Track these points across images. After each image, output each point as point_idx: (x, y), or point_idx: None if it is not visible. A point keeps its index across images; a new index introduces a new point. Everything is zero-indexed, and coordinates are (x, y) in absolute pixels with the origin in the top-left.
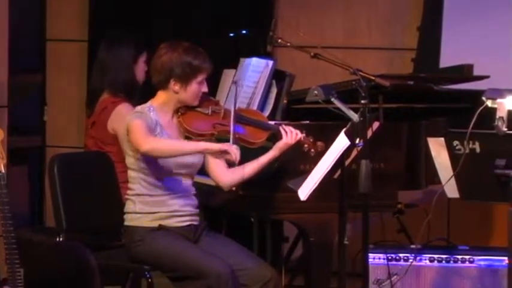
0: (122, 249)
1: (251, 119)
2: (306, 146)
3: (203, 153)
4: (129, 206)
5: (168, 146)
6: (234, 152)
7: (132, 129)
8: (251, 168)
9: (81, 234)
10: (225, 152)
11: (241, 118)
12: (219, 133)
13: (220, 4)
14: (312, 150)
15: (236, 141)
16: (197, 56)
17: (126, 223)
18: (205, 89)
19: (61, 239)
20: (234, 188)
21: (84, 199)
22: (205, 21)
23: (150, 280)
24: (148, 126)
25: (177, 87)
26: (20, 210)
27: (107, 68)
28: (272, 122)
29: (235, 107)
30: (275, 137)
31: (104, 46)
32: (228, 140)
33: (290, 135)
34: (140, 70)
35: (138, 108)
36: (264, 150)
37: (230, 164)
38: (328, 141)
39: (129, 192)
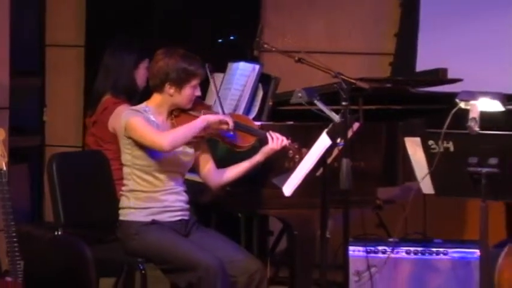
0: (116, 243)
1: (240, 124)
2: (291, 152)
3: (207, 126)
4: (123, 202)
5: (181, 133)
6: (228, 120)
7: (136, 127)
8: (237, 170)
9: (78, 229)
10: (223, 122)
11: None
12: (210, 135)
13: (210, 12)
14: (297, 156)
15: (224, 137)
16: (192, 62)
17: (120, 218)
18: (198, 93)
19: (59, 233)
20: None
21: (81, 195)
22: (197, 27)
23: (143, 272)
24: (148, 122)
25: (172, 91)
26: (21, 206)
27: (110, 72)
28: (258, 123)
29: (218, 96)
30: (262, 141)
31: (109, 51)
32: (217, 141)
33: (276, 141)
34: (141, 75)
35: (134, 108)
36: (251, 152)
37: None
38: (311, 141)
39: (123, 188)
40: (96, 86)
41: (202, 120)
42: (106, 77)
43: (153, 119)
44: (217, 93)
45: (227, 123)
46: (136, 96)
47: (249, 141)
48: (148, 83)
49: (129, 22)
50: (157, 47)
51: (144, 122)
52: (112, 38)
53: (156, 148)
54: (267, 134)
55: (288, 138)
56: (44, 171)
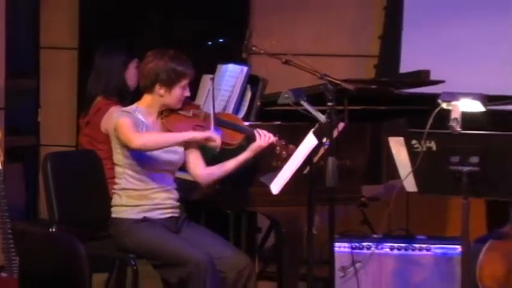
0: (109, 240)
1: (229, 122)
2: (278, 148)
3: (190, 141)
4: (115, 200)
5: (157, 139)
6: (217, 138)
7: (120, 127)
8: (227, 167)
9: (72, 226)
10: (209, 140)
11: (219, 121)
12: (191, 142)
13: (200, 15)
14: (284, 152)
15: (217, 128)
16: (181, 63)
17: (113, 215)
18: (187, 93)
19: (53, 230)
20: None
21: (75, 193)
22: (187, 31)
23: (135, 268)
24: (134, 123)
25: (162, 91)
26: (16, 204)
27: (101, 74)
28: (247, 123)
29: (213, 95)
30: (250, 138)
31: (99, 54)
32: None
33: (263, 138)
34: (131, 75)
35: (125, 109)
36: (239, 150)
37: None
38: (298, 141)
39: (115, 186)
40: (88, 87)
41: (185, 136)
42: (97, 79)
43: (143, 119)
44: (213, 103)
45: (214, 141)
46: (128, 96)
47: (237, 138)
48: (139, 83)
49: (121, 25)
50: (148, 49)
51: (130, 123)
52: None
53: (127, 144)
54: (255, 131)
55: (275, 135)
56: (38, 170)
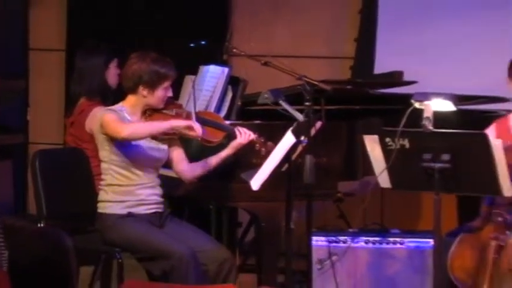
0: (95, 234)
1: (210, 121)
2: (257, 145)
3: (173, 129)
4: (101, 196)
5: (144, 128)
6: (197, 127)
7: (106, 121)
8: (208, 164)
9: (60, 221)
10: (190, 128)
11: (201, 120)
12: (173, 132)
13: (183, 18)
14: (263, 149)
15: (198, 120)
16: (164, 65)
17: (99, 210)
18: (170, 93)
19: (42, 224)
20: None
21: (63, 189)
22: (170, 32)
23: (120, 261)
24: (120, 118)
25: (145, 92)
26: (5, 199)
27: (83, 75)
28: (228, 122)
29: (194, 96)
30: (230, 136)
31: (79, 56)
32: (189, 138)
33: (244, 135)
34: (112, 75)
35: (110, 107)
36: (220, 147)
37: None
38: (277, 139)
39: (101, 183)
40: (72, 89)
41: (169, 123)
42: (79, 80)
43: (129, 118)
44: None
45: (193, 129)
46: (110, 96)
47: (218, 136)
48: (120, 82)
49: (106, 27)
50: (133, 51)
51: (115, 117)
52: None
53: (116, 135)
54: (235, 129)
55: (254, 133)
56: (27, 167)
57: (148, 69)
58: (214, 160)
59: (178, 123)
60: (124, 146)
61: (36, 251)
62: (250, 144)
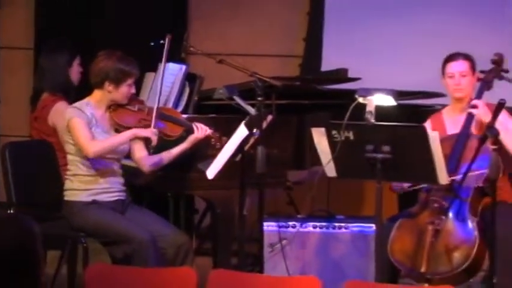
0: (61, 220)
1: (170, 116)
2: (213, 140)
3: (133, 138)
4: (67, 184)
5: (107, 145)
6: (154, 138)
7: (74, 130)
8: (167, 156)
9: (28, 208)
10: (148, 139)
11: (162, 115)
12: (143, 127)
13: (144, 18)
14: (218, 143)
15: (159, 122)
16: (128, 64)
17: (65, 198)
18: (133, 90)
19: (11, 211)
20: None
21: (31, 179)
22: (132, 32)
23: (85, 245)
24: (87, 124)
25: (110, 88)
26: None
27: (46, 72)
28: (185, 116)
29: (158, 105)
30: (189, 131)
31: (44, 53)
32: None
33: (200, 131)
34: (75, 72)
35: (77, 104)
36: (179, 140)
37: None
38: (231, 131)
39: (68, 172)
40: (35, 85)
41: (131, 133)
42: (42, 77)
43: (94, 112)
44: (157, 106)
45: (152, 140)
46: (72, 92)
47: (177, 131)
48: (82, 78)
49: (72, 26)
50: (98, 49)
51: (82, 125)
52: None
53: (83, 153)
54: (193, 125)
55: (210, 129)
56: None
57: (114, 67)
58: (172, 153)
59: (138, 133)
60: None
61: (5, 236)
62: (207, 138)
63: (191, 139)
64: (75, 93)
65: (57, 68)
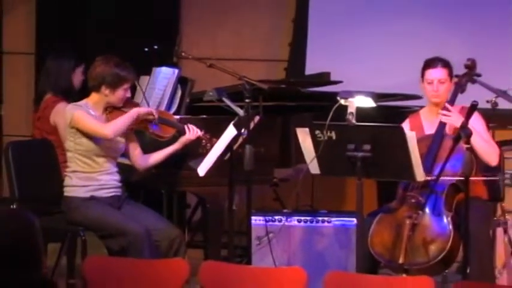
0: (61, 215)
1: (163, 119)
2: (203, 141)
3: (139, 115)
4: (67, 181)
5: (119, 124)
6: (155, 112)
7: (82, 121)
8: (160, 155)
9: (30, 203)
10: (150, 113)
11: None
12: (137, 127)
13: (137, 26)
14: (208, 144)
15: (153, 124)
16: (124, 69)
17: (65, 194)
18: (128, 94)
19: (14, 206)
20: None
21: (32, 176)
22: (128, 39)
23: (83, 238)
24: (89, 114)
25: (107, 92)
26: None
27: (51, 74)
28: (178, 117)
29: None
30: (181, 132)
31: (51, 56)
32: (144, 132)
33: (192, 132)
34: (77, 78)
35: (76, 103)
36: (172, 140)
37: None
38: (220, 131)
39: (67, 170)
40: (40, 86)
41: (134, 111)
42: (47, 79)
43: (92, 112)
44: (144, 93)
45: (153, 114)
46: (74, 95)
47: (169, 132)
48: (83, 84)
49: (71, 33)
50: (95, 55)
51: (87, 114)
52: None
53: (101, 136)
54: (185, 127)
55: (201, 130)
56: (1, 156)
57: (110, 72)
58: (164, 153)
59: (142, 110)
60: (88, 137)
61: (8, 230)
62: (197, 140)
63: (183, 140)
64: (77, 97)
65: (62, 71)
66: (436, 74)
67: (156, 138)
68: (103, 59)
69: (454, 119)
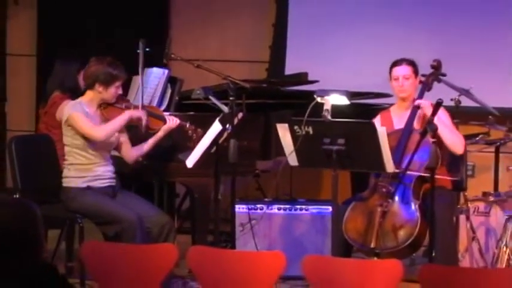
0: (60, 203)
1: (153, 113)
2: (189, 131)
3: (131, 118)
4: (65, 173)
5: (110, 128)
6: (145, 118)
7: (77, 122)
8: (147, 145)
9: (32, 193)
10: (139, 118)
11: (146, 112)
12: (129, 122)
13: (130, 29)
14: (194, 135)
15: (145, 112)
16: (116, 68)
17: (63, 184)
18: (120, 91)
19: (17, 196)
20: (140, 159)
21: (34, 167)
22: (122, 41)
23: (81, 225)
24: (85, 116)
25: (100, 89)
26: None
27: (59, 75)
28: (167, 113)
29: (142, 102)
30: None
31: (59, 60)
32: (136, 127)
33: (172, 121)
34: (82, 79)
35: (73, 102)
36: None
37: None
38: (207, 126)
39: (65, 162)
40: (48, 85)
41: (127, 114)
42: (56, 78)
43: (87, 109)
44: (142, 91)
45: (142, 120)
46: (79, 94)
47: (159, 124)
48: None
49: (70, 36)
50: (92, 55)
51: (82, 116)
52: (57, 49)
53: (93, 139)
54: (166, 117)
55: (186, 121)
56: (5, 150)
57: (103, 71)
58: (150, 142)
59: (134, 113)
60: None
61: (12, 217)
62: (183, 130)
63: (164, 128)
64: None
65: (69, 72)
66: (401, 71)
67: (147, 130)
68: (96, 59)
69: (427, 106)
